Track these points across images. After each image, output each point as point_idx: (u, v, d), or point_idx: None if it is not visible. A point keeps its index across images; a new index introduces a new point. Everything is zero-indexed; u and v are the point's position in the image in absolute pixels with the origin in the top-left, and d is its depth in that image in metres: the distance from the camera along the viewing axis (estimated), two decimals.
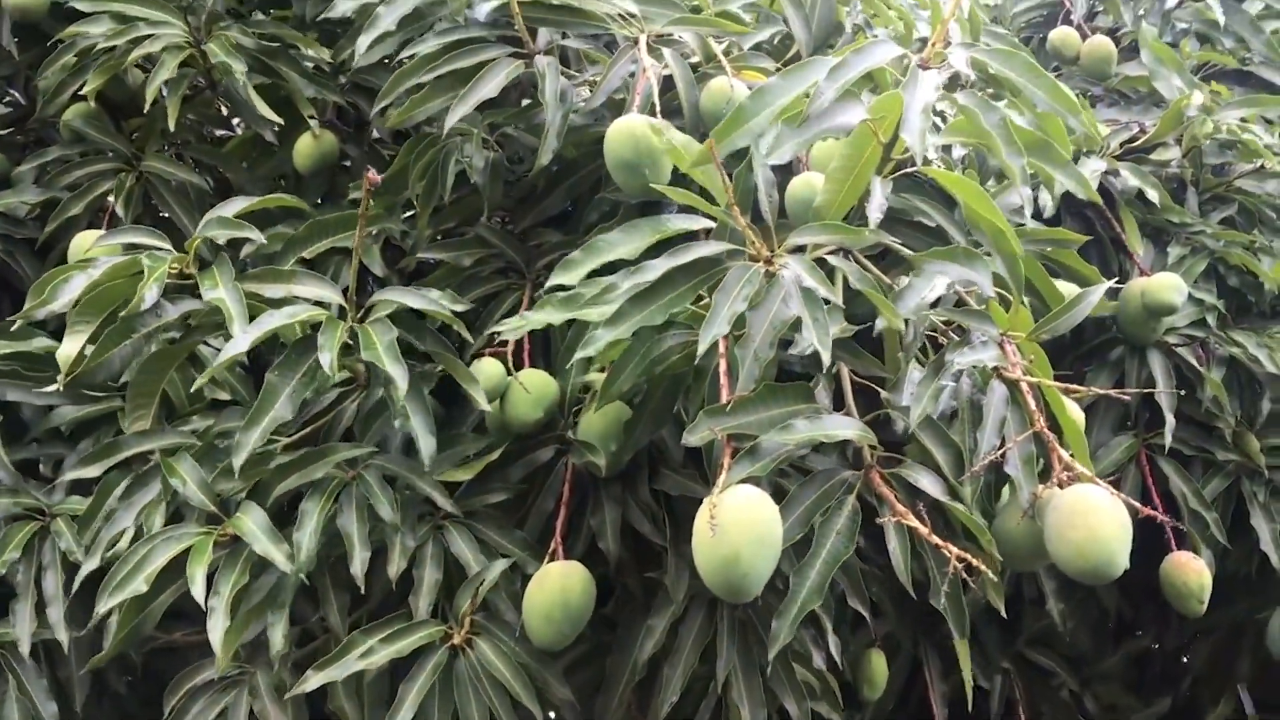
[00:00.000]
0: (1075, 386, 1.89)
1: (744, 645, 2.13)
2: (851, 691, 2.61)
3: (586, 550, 2.20)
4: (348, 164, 2.90)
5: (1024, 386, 1.87)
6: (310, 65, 2.78)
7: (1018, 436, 1.83)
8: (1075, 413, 1.98)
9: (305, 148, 2.74)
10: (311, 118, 2.73)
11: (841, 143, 1.85)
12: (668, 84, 2.27)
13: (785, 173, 2.19)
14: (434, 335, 2.14)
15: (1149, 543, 2.69)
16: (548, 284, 1.85)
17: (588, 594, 2.03)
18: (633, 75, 2.20)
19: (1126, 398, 2.76)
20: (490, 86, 2.23)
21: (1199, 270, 2.84)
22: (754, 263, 1.75)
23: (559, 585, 2.01)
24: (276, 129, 2.70)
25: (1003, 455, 1.81)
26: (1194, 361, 2.74)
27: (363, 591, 2.01)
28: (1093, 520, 1.65)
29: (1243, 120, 2.96)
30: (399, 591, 2.11)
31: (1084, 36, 3.27)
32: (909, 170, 1.90)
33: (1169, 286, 2.62)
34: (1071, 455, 1.87)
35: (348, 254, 2.18)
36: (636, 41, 2.23)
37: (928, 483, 1.79)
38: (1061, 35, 3.28)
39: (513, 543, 2.16)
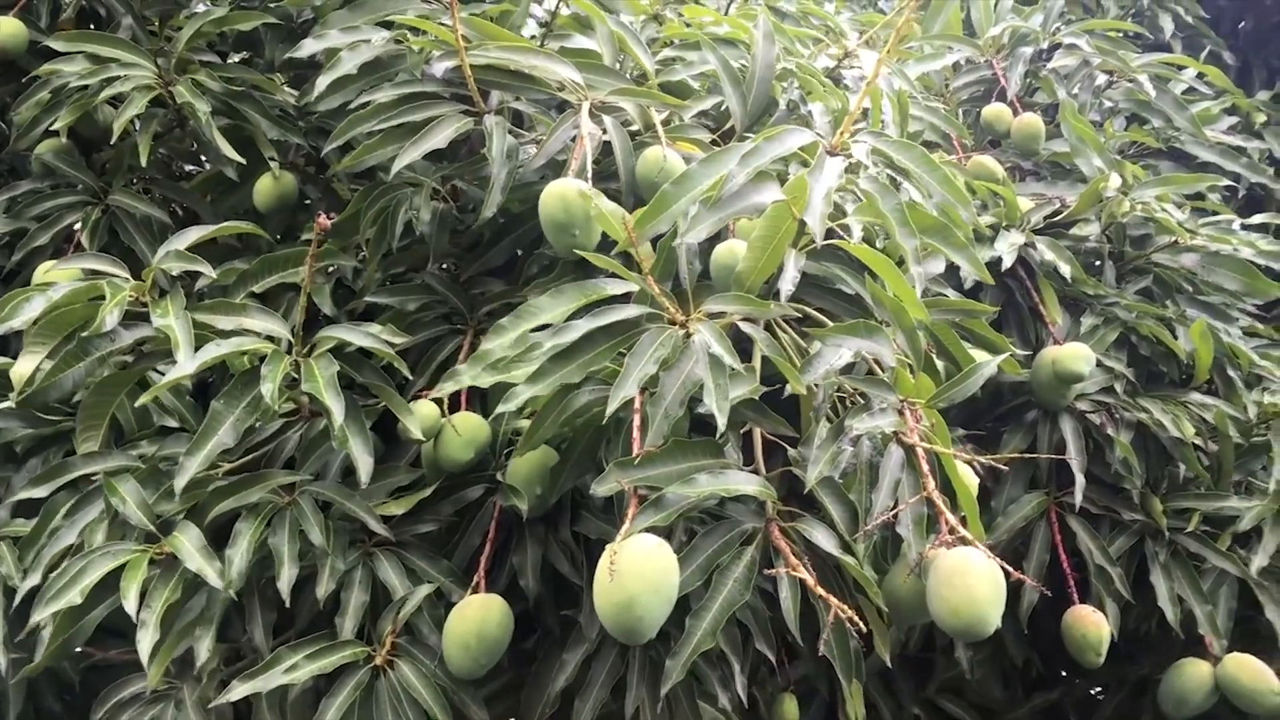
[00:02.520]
0: (967, 455, 2.03)
1: (653, 682, 2.24)
2: None
3: (509, 585, 2.32)
4: (308, 202, 3.04)
5: (919, 451, 2.01)
6: (275, 108, 2.91)
7: (911, 499, 1.97)
8: (968, 478, 2.12)
9: (265, 188, 2.87)
10: (272, 159, 2.86)
11: (762, 216, 2.00)
12: (608, 149, 2.41)
13: (714, 238, 2.34)
14: (375, 370, 2.27)
15: (1060, 598, 2.85)
16: (480, 347, 1.98)
17: (504, 626, 2.15)
18: (574, 139, 2.34)
19: (1038, 458, 2.92)
20: (438, 139, 2.36)
21: (1111, 339, 3.00)
22: (670, 326, 1.89)
23: (478, 616, 2.13)
24: (239, 167, 2.83)
25: (895, 516, 1.95)
26: (1103, 425, 2.89)
27: (288, 605, 2.11)
28: (969, 581, 1.79)
29: (1158, 199, 3.13)
30: (327, 615, 2.22)
31: (1016, 113, 3.44)
32: (830, 242, 2.05)
33: (1078, 356, 2.78)
34: (962, 518, 2.02)
35: (299, 290, 2.30)
36: (579, 108, 2.38)
37: (822, 538, 1.92)
38: (994, 111, 3.45)
39: (439, 571, 2.28)
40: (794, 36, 2.90)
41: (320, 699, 2.12)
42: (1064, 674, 3.40)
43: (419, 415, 2.29)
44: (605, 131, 2.38)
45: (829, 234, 2.06)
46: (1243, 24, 4.69)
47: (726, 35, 2.68)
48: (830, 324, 2.01)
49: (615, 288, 1.95)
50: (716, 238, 2.35)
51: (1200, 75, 3.91)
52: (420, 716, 2.12)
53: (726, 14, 2.83)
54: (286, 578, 2.11)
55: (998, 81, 3.59)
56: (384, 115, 2.42)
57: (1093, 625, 2.69)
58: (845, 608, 1.72)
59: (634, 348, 1.83)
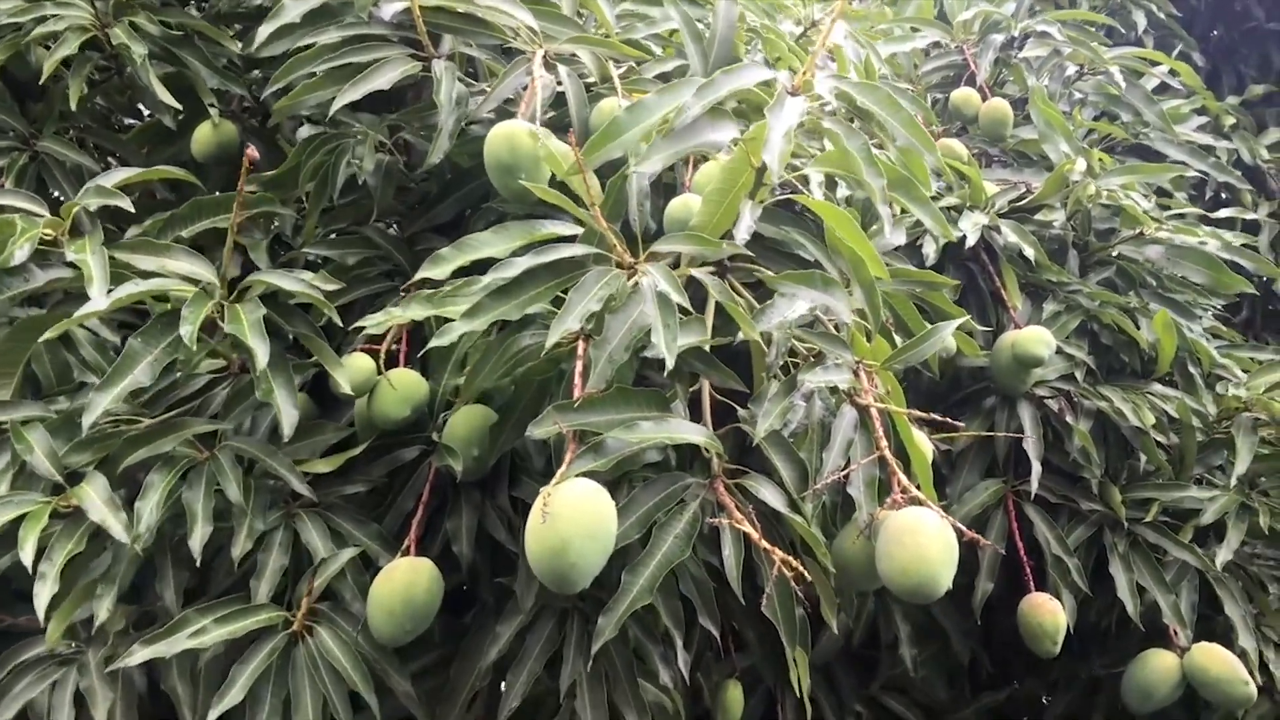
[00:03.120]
0: (923, 414, 1.94)
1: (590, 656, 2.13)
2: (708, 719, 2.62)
3: (442, 552, 2.20)
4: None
5: (873, 412, 1.92)
6: (221, 58, 2.79)
7: (863, 459, 1.87)
8: (924, 444, 2.03)
9: (203, 136, 2.74)
10: (212, 106, 2.73)
11: (718, 166, 1.90)
12: (562, 101, 2.31)
13: (669, 194, 2.24)
14: (305, 320, 2.14)
15: (1015, 593, 2.76)
16: (415, 277, 1.87)
17: (432, 592, 2.02)
18: (526, 87, 2.24)
19: (995, 443, 2.84)
20: (381, 80, 2.25)
21: (1072, 327, 2.93)
22: (616, 268, 1.78)
23: (405, 580, 2.01)
24: (178, 117, 2.70)
25: (846, 476, 1.86)
26: (1061, 412, 2.82)
27: (198, 566, 1.98)
28: (919, 539, 1.70)
29: (1124, 187, 3.07)
30: (246, 579, 2.09)
31: (985, 98, 3.38)
32: (786, 196, 1.96)
33: (1037, 339, 2.70)
34: (916, 484, 1.93)
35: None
36: (533, 55, 2.27)
37: (769, 494, 1.82)
38: (963, 95, 3.39)
39: (367, 535, 2.15)
40: (761, 4, 2.81)
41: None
42: (1015, 674, 3.31)
43: (352, 369, 2.17)
44: (560, 82, 2.28)
45: (789, 189, 1.97)
46: (1215, 32, 4.67)
47: None
48: None
49: (562, 228, 1.84)
50: (671, 192, 2.26)
51: (1172, 73, 3.87)
52: (339, 685, 1.99)
53: None
54: (199, 536, 1.97)
55: (967, 67, 3.53)
56: (326, 57, 2.31)
57: (1049, 613, 2.61)
58: (791, 559, 1.61)
59: (578, 284, 1.72)
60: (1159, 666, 2.74)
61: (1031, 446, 2.76)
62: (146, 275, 2.04)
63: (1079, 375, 2.88)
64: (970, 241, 2.81)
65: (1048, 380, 2.87)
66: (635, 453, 1.72)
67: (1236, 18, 4.66)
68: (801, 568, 1.64)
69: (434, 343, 1.78)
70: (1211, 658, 2.69)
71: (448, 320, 1.82)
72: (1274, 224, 4.10)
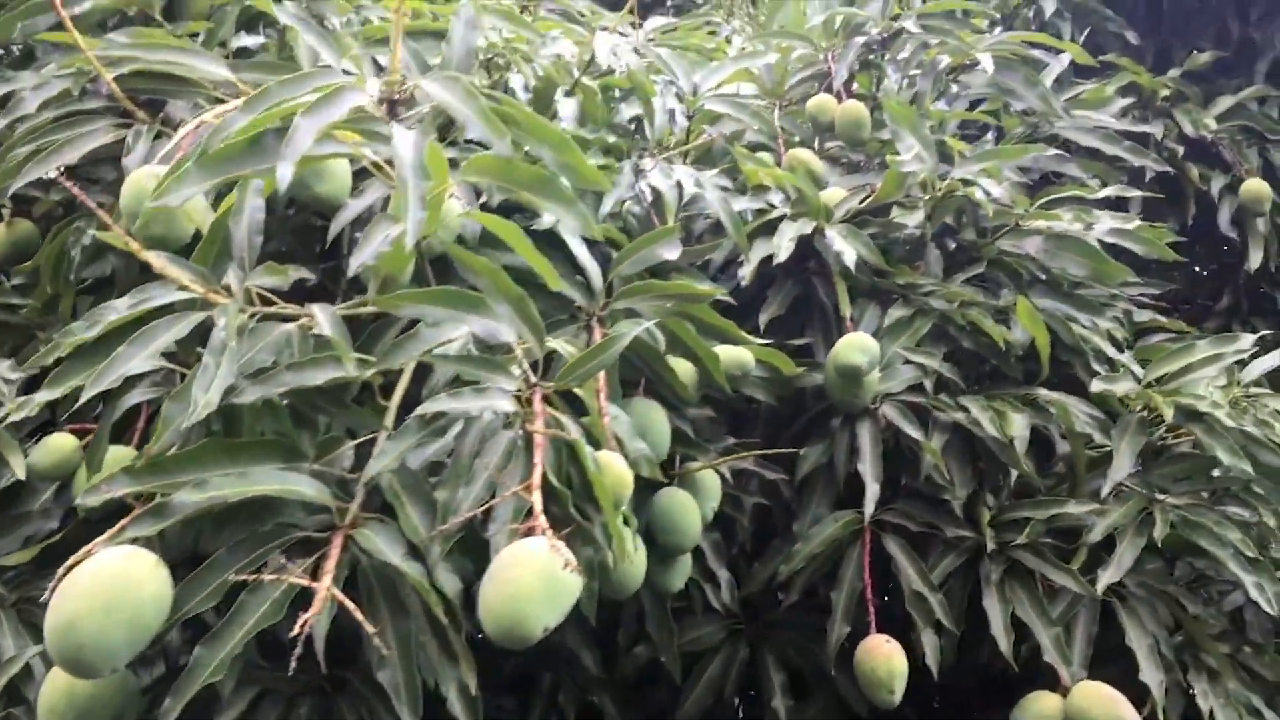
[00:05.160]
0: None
1: None
2: None
3: None
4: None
5: (537, 439, 1.70)
6: None
7: (509, 491, 1.66)
8: (614, 468, 1.80)
9: None
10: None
11: None
12: None
13: None
14: None
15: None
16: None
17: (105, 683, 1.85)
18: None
19: (838, 470, 2.54)
20: (69, 155, 2.17)
21: (923, 332, 2.63)
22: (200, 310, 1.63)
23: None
24: None
25: (485, 513, 1.64)
26: (896, 427, 2.51)
27: None
28: (513, 575, 1.46)
29: (985, 171, 2.78)
30: None
31: (841, 102, 3.14)
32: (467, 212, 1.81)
33: (852, 347, 2.42)
34: (601, 515, 1.70)
35: None
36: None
37: (384, 544, 1.61)
38: (817, 103, 3.15)
39: None
40: (537, 29, 2.67)
41: None
42: None
43: (47, 449, 2.06)
44: None
45: None
46: (1164, 4, 4.30)
47: (431, 26, 2.45)
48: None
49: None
50: None
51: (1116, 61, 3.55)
52: None
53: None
54: None
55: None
56: (33, 136, 2.25)
57: (883, 658, 2.29)
58: (346, 599, 1.40)
59: (140, 334, 1.57)
60: (1040, 712, 2.37)
61: (868, 468, 2.46)
62: None
63: (928, 384, 2.57)
64: (782, 255, 2.55)
65: (893, 394, 2.57)
66: (206, 509, 1.54)
67: None
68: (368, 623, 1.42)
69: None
70: (1091, 698, 2.32)
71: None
72: (1232, 198, 3.70)
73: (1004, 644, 2.40)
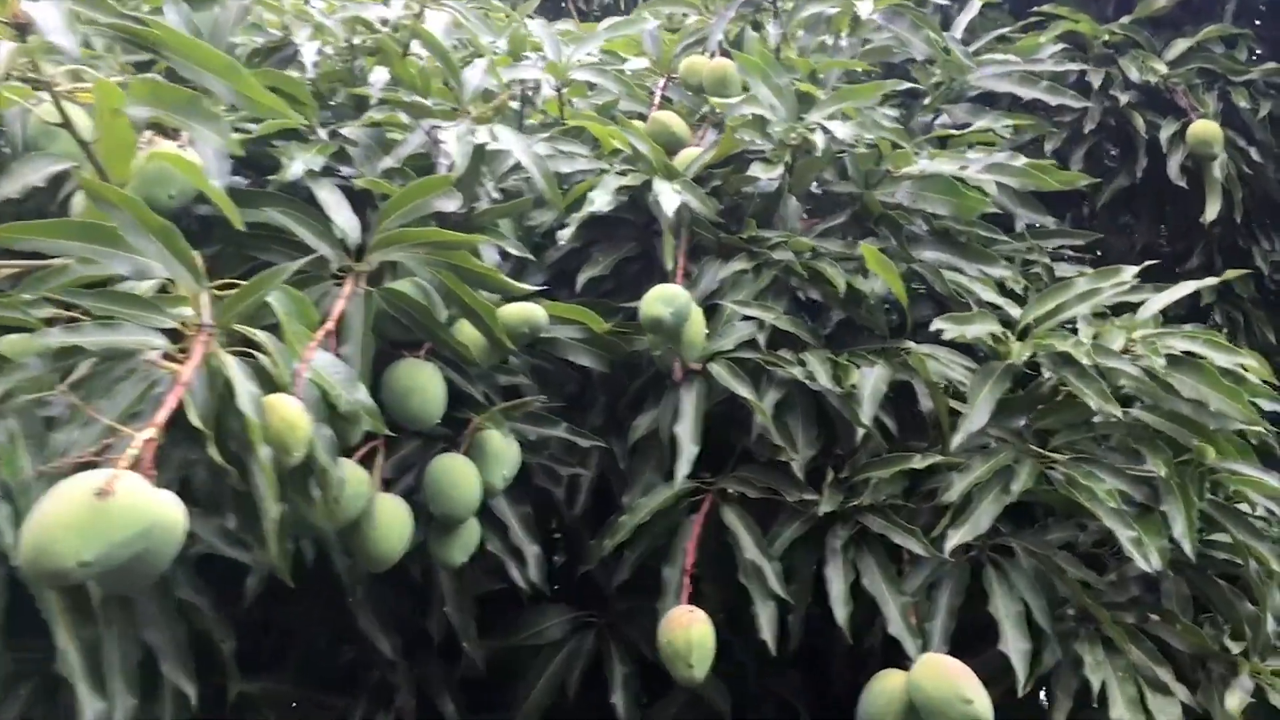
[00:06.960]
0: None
1: None
2: None
3: None
4: None
5: (182, 378, 1.58)
6: None
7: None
8: (288, 412, 1.65)
9: None
10: None
11: None
12: None
13: None
14: None
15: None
16: None
17: None
18: None
19: (665, 436, 2.33)
20: None
21: (762, 285, 2.43)
22: None
23: None
24: None
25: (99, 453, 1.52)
26: (737, 387, 2.28)
27: None
28: (48, 505, 1.33)
29: (845, 115, 2.57)
30: None
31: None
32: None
33: (655, 299, 2.23)
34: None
35: None
36: None
37: None
38: (688, 64, 2.98)
39: None
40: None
41: None
42: None
43: None
44: None
45: None
46: None
47: None
48: None
49: None
50: None
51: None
52: None
53: None
54: None
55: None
56: None
57: (680, 628, 2.06)
58: None
59: None
60: (884, 690, 2.11)
61: (685, 429, 2.25)
62: None
63: (761, 340, 2.35)
64: (599, 207, 2.38)
65: (725, 351, 2.35)
66: None
67: None
68: None
69: None
70: (930, 673, 2.06)
71: None
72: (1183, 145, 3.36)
73: (840, 614, 2.16)
